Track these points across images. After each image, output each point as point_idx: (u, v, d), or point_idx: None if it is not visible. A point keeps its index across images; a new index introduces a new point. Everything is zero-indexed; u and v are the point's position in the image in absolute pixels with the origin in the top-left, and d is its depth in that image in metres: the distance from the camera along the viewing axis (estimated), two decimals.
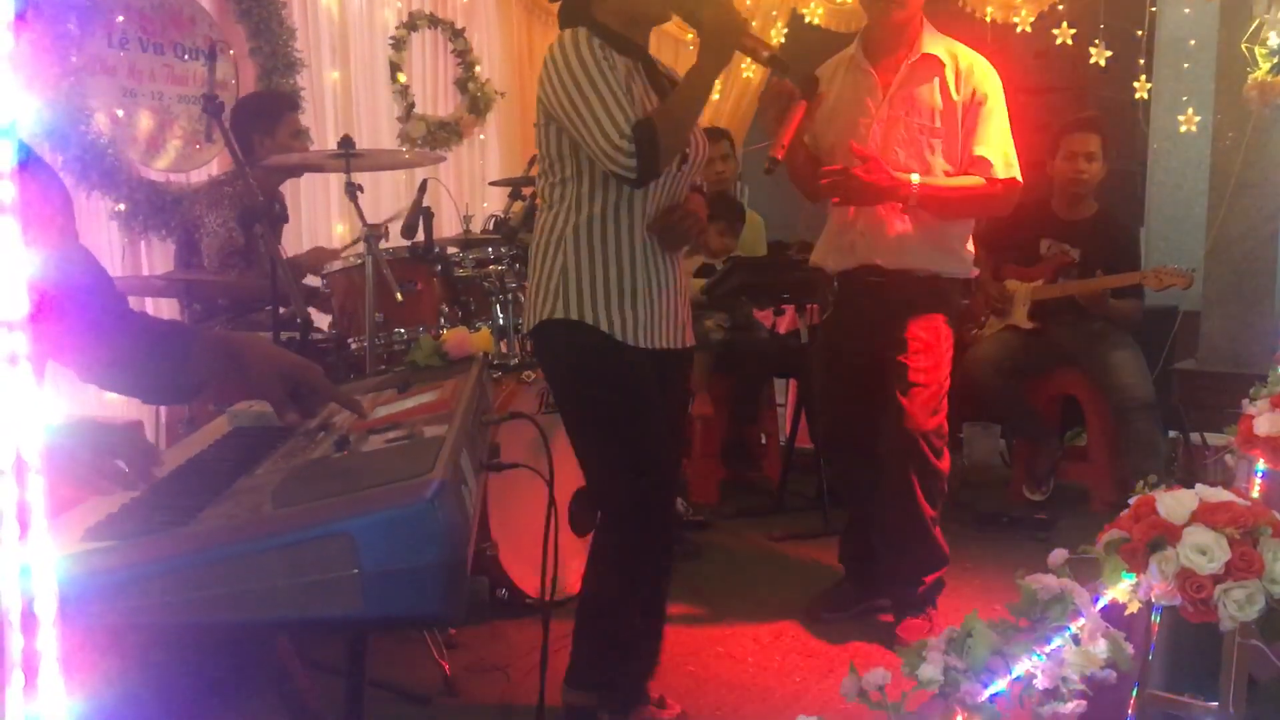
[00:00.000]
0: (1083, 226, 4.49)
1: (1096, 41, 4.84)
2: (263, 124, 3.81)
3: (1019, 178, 3.05)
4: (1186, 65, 5.63)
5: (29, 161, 0.63)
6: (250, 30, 4.65)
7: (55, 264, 0.80)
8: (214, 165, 4.51)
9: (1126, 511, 1.93)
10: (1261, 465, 2.80)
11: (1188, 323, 4.81)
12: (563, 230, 2.45)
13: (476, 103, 5.78)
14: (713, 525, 4.36)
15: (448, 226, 4.87)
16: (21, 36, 0.66)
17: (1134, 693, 1.95)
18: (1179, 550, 1.79)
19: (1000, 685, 1.54)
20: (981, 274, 4.73)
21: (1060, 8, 4.90)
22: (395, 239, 3.48)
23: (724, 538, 4.23)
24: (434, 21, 5.62)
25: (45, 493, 0.62)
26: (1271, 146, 4.17)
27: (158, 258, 4.36)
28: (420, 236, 3.40)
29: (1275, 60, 3.53)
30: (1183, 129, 5.12)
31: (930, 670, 1.47)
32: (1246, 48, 3.60)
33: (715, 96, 6.17)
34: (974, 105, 3.03)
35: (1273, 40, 3.52)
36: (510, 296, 3.52)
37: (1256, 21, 3.54)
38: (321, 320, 3.67)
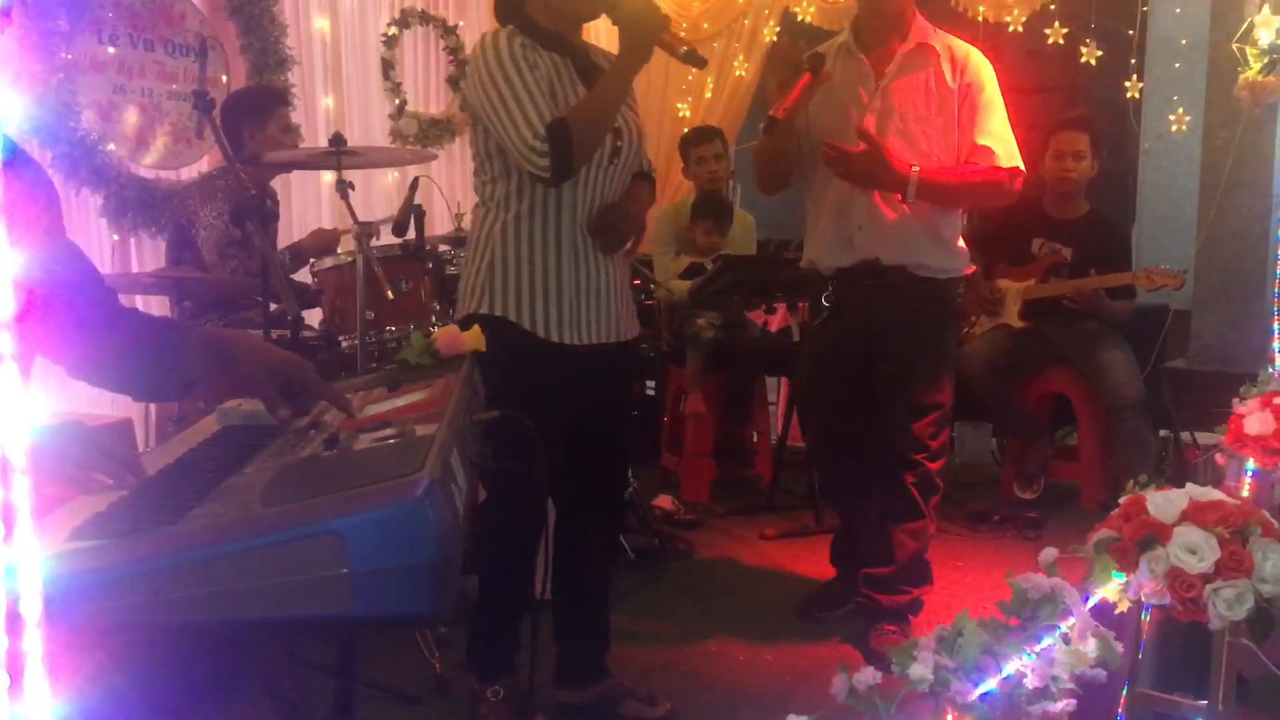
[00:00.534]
0: (1074, 226, 4.50)
1: (1088, 41, 4.84)
2: (253, 118, 3.80)
3: (1022, 166, 3.03)
4: (1177, 65, 5.64)
5: (15, 158, 0.62)
6: (241, 27, 4.64)
7: (43, 261, 0.79)
8: (204, 162, 4.50)
9: (1117, 510, 1.94)
10: (1251, 464, 2.82)
11: (1178, 322, 4.82)
12: (491, 227, 2.51)
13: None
14: (704, 524, 4.36)
15: (440, 224, 4.87)
16: (8, 32, 0.66)
17: (1124, 691, 1.95)
18: (1169, 549, 1.79)
19: (990, 684, 1.54)
20: (973, 273, 4.74)
21: (1052, 7, 4.91)
22: (386, 237, 3.47)
23: (715, 536, 4.23)
24: (426, 19, 5.61)
25: (31, 492, 0.62)
26: (1262, 147, 4.18)
27: (147, 254, 4.35)
28: (411, 234, 3.39)
29: (1266, 60, 3.53)
30: (1174, 129, 5.13)
31: (921, 669, 1.47)
32: (1238, 47, 3.61)
33: (708, 95, 6.17)
34: (971, 94, 2.99)
35: (1264, 40, 3.52)
36: None
37: (1247, 22, 3.54)
38: (312, 317, 3.66)
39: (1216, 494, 1.90)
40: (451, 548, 1.12)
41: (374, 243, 3.24)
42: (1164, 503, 1.87)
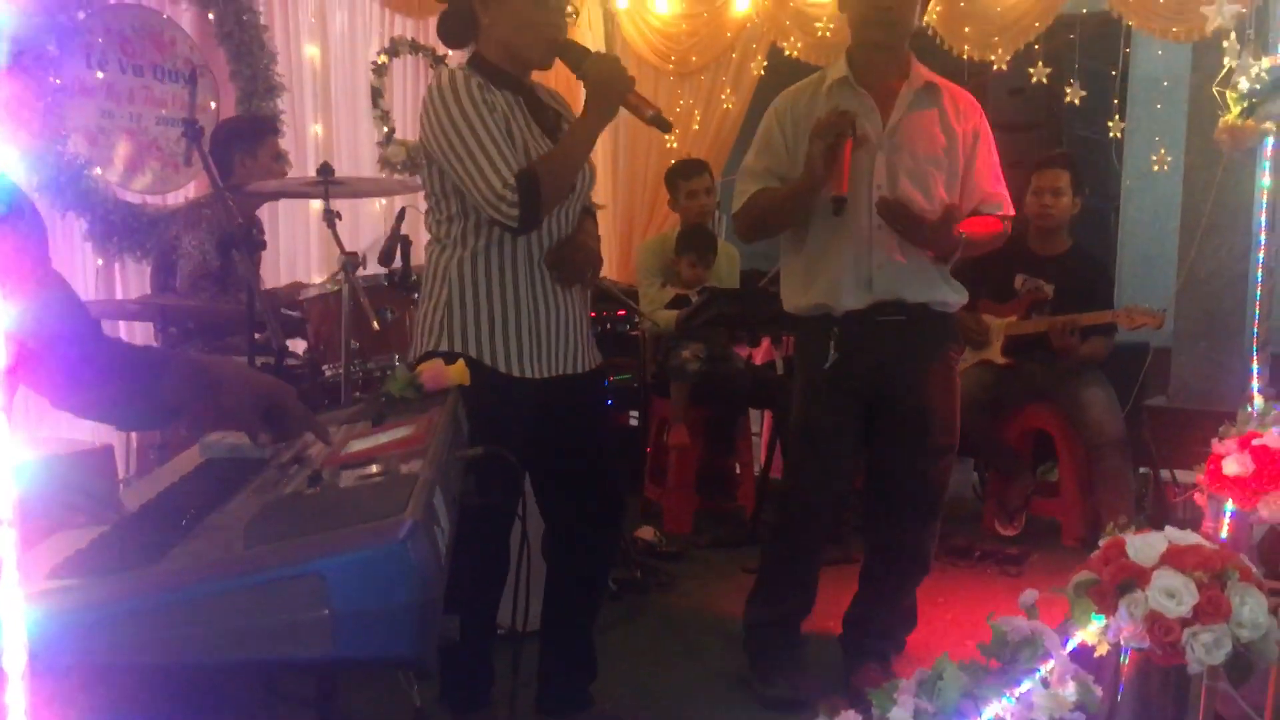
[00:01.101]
0: (1057, 262, 4.55)
1: (1072, 81, 4.90)
2: (244, 146, 3.81)
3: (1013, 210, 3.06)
4: (1159, 105, 5.72)
5: (10, 210, 0.63)
6: (231, 54, 4.65)
7: (29, 296, 0.79)
8: (191, 188, 4.50)
9: (1097, 553, 1.95)
10: (1230, 505, 2.83)
11: (1159, 359, 4.86)
12: (447, 265, 2.52)
13: None
14: (686, 556, 4.36)
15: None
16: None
17: None
18: (1148, 593, 1.80)
19: None
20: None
21: (1036, 46, 4.95)
22: (373, 266, 3.48)
23: (697, 568, 4.23)
24: (415, 48, 5.64)
25: (16, 544, 0.62)
26: (1242, 187, 4.22)
27: (132, 279, 4.34)
28: (397, 264, 3.40)
29: (1246, 104, 3.57)
30: (1155, 168, 5.18)
31: (901, 713, 1.48)
32: (1218, 91, 3.65)
33: (695, 127, 6.21)
34: (977, 137, 2.93)
35: (1243, 85, 3.57)
36: None
37: (1227, 67, 3.59)
38: (296, 345, 3.66)
39: (1195, 537, 1.91)
40: (434, 590, 1.12)
41: (360, 272, 3.25)
42: (1143, 546, 1.88)
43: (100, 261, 4.27)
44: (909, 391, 2.95)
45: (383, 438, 1.70)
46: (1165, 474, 4.31)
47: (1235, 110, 3.61)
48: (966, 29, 5.03)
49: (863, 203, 2.86)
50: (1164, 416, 4.79)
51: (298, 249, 4.96)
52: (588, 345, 2.68)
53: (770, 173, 2.96)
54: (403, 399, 2.11)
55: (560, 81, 3.29)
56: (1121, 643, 1.86)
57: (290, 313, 3.57)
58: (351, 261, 3.12)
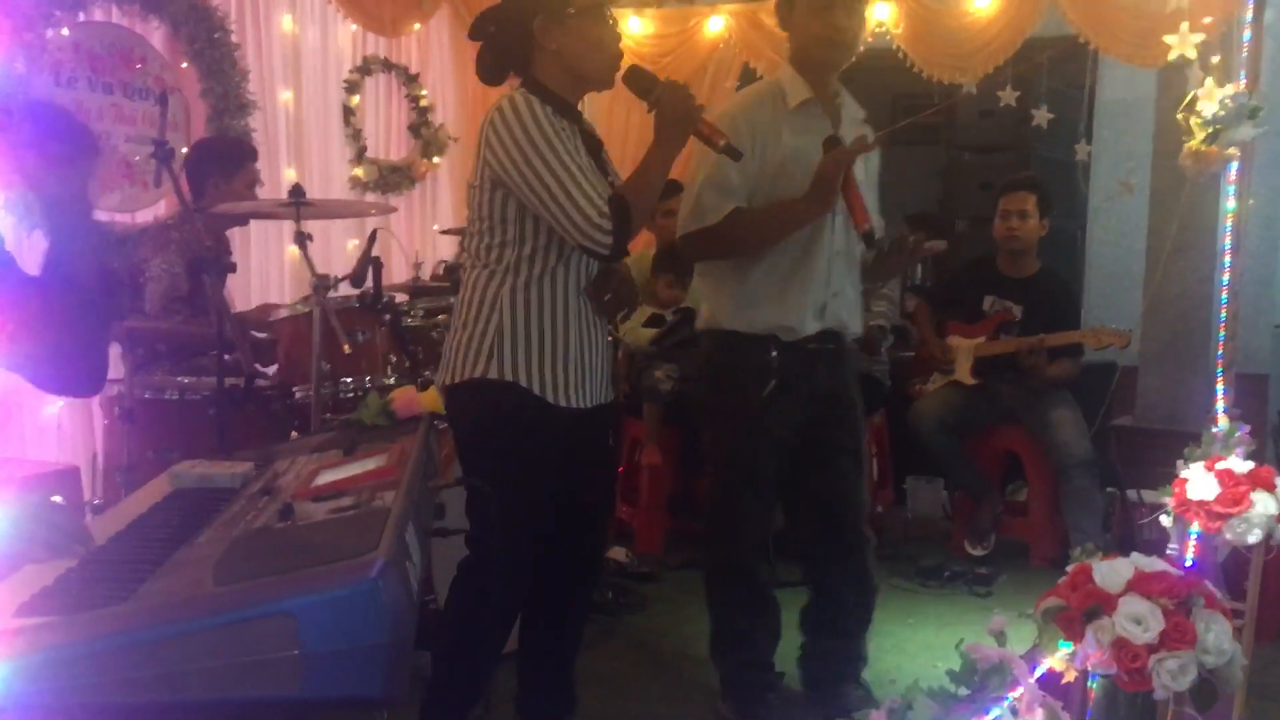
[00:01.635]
0: (1025, 284, 4.59)
1: (1040, 104, 4.95)
2: (221, 169, 3.80)
3: None
4: (1125, 130, 5.78)
5: None
6: (202, 71, 4.62)
7: None
8: (160, 206, 4.47)
9: (1064, 579, 1.97)
10: (1195, 528, 2.87)
11: (1126, 378, 4.91)
12: (498, 291, 2.47)
13: (429, 147, 5.79)
14: (658, 576, 4.35)
15: (398, 273, 4.86)
16: None
17: None
18: (1114, 620, 1.82)
19: None
20: (925, 330, 4.81)
21: (1005, 69, 5.00)
22: (344, 288, 3.46)
23: (669, 589, 4.22)
24: (388, 66, 5.63)
25: None
26: (1206, 210, 4.27)
27: None
28: (369, 285, 3.39)
29: (1210, 130, 3.62)
30: (1120, 194, 5.23)
31: None
32: (1182, 117, 3.70)
33: None
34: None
35: (1206, 111, 3.62)
36: None
37: (1191, 94, 3.65)
38: (266, 365, 3.64)
39: (1161, 564, 1.93)
40: (405, 628, 1.13)
41: (331, 294, 3.24)
42: (1110, 572, 1.90)
43: None
44: (839, 417, 2.99)
45: (355, 468, 1.70)
46: (1132, 494, 4.35)
47: (1199, 136, 3.66)
48: (936, 51, 5.07)
49: (826, 229, 2.87)
50: (1131, 436, 4.84)
51: (271, 275, 4.93)
52: (611, 374, 2.70)
53: (744, 189, 2.87)
54: (374, 426, 2.12)
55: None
56: (1089, 669, 1.88)
57: (259, 335, 3.55)
58: (323, 283, 3.11)
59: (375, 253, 3.44)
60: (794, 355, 2.88)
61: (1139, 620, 1.80)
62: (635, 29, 6.10)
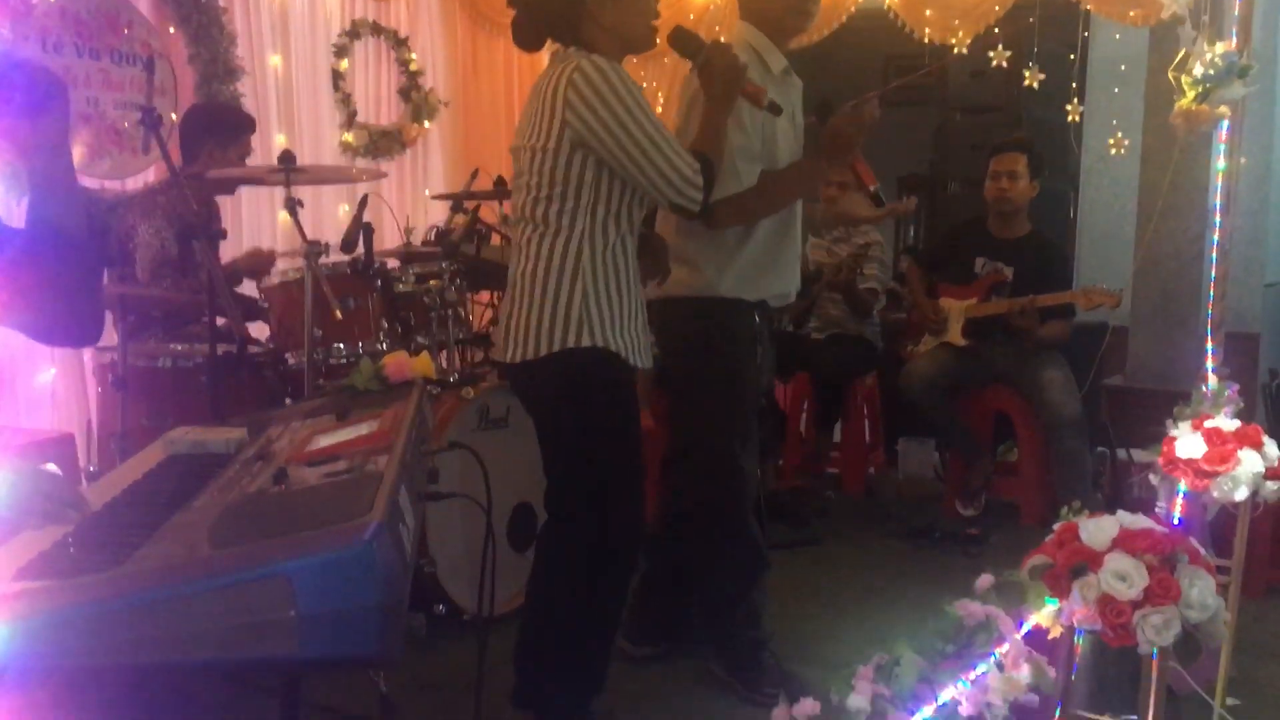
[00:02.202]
0: (1016, 245, 4.60)
1: (1031, 64, 4.94)
2: (217, 138, 3.79)
3: None
4: (1117, 89, 5.77)
5: None
6: (190, 36, 4.59)
7: None
8: (150, 173, 4.45)
9: (1051, 537, 1.99)
10: (1183, 486, 2.89)
11: (1117, 338, 4.93)
12: (577, 258, 2.46)
13: (419, 111, 5.77)
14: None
15: (389, 238, 4.86)
16: None
17: (1057, 713, 2.00)
18: (1100, 576, 1.84)
19: (927, 712, 1.58)
20: (916, 292, 4.82)
21: (996, 30, 4.99)
22: (335, 253, 3.46)
23: None
24: (377, 30, 5.59)
25: None
26: (1197, 170, 4.27)
27: None
28: (360, 252, 3.39)
29: (1200, 89, 3.61)
30: (1113, 151, 5.24)
31: (859, 700, 1.51)
32: (1173, 76, 3.69)
33: (659, 109, 6.19)
34: None
35: (1197, 70, 3.61)
36: (451, 311, 3.52)
37: (1183, 52, 3.64)
38: (259, 332, 3.65)
39: (1146, 521, 1.96)
40: (399, 590, 1.14)
41: (323, 260, 3.24)
42: (1095, 530, 1.92)
43: None
44: (769, 384, 3.12)
45: (348, 433, 1.71)
46: (1122, 453, 4.38)
47: (1190, 95, 3.65)
48: (927, 12, 5.05)
49: None
50: (1121, 396, 4.87)
51: (262, 236, 4.91)
52: None
53: (760, 154, 2.85)
54: (367, 391, 2.13)
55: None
56: (1075, 625, 1.91)
57: (249, 293, 3.55)
58: (314, 249, 3.11)
59: (366, 218, 3.44)
60: (765, 316, 3.01)
61: (1124, 577, 1.83)
62: None
